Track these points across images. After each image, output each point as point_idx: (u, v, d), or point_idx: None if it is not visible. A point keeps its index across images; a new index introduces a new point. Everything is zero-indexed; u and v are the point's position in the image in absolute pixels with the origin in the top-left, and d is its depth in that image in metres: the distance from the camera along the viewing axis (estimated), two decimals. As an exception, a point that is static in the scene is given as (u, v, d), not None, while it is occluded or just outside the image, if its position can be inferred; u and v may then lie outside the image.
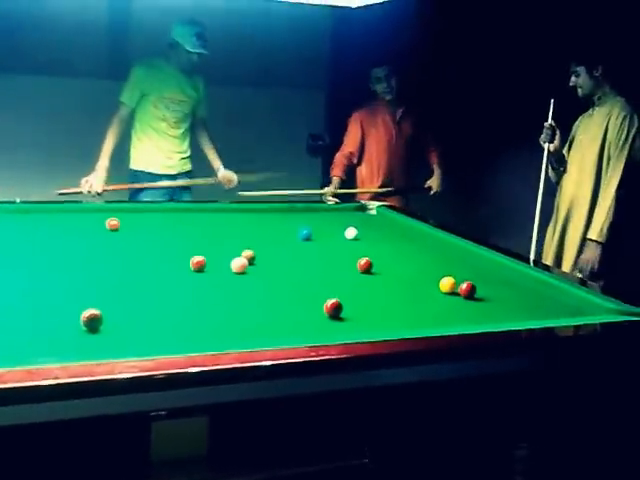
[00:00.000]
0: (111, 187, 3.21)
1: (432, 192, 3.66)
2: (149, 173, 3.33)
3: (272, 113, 4.49)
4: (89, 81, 3.96)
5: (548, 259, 3.02)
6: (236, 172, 3.45)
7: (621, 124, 2.81)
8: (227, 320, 1.59)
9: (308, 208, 3.13)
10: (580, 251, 2.91)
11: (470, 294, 1.81)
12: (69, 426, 1.13)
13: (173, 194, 3.36)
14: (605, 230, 2.77)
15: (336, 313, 1.60)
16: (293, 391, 1.28)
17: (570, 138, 3.08)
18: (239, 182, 3.34)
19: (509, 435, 1.50)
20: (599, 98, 2.91)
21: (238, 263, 1.98)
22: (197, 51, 3.18)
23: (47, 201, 3.00)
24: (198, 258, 1.97)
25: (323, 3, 2.81)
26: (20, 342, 1.36)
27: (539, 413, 1.50)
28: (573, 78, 2.90)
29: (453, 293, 1.84)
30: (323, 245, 2.47)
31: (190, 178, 3.47)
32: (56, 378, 1.12)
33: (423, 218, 2.83)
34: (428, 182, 3.68)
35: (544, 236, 3.12)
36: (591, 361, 1.54)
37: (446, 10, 3.86)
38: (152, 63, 3.29)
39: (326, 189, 3.42)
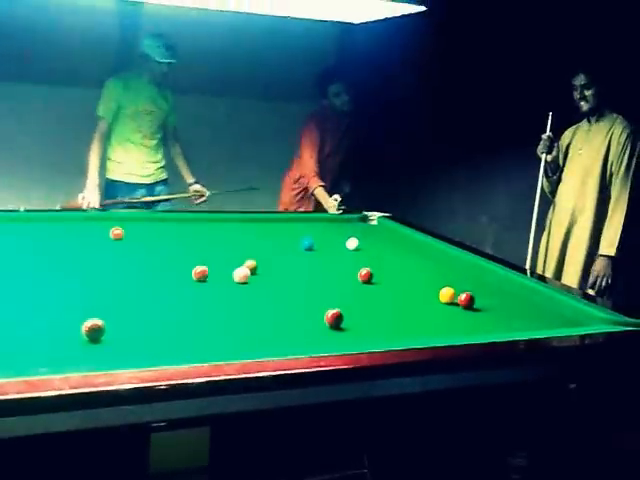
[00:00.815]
0: (108, 202, 3.30)
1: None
2: (127, 183, 3.44)
3: (278, 126, 4.53)
4: (96, 92, 4.00)
5: (548, 272, 3.02)
6: (208, 188, 3.52)
7: (625, 141, 2.84)
8: (229, 330, 1.60)
9: (310, 218, 3.15)
10: (586, 265, 2.92)
11: (469, 304, 1.82)
12: (70, 437, 1.13)
13: (148, 207, 3.45)
14: (616, 244, 2.80)
15: (337, 323, 1.61)
16: (294, 402, 1.29)
17: (562, 149, 3.09)
18: (208, 198, 3.46)
19: (508, 445, 1.50)
20: (600, 114, 2.93)
21: (240, 273, 1.99)
22: (166, 61, 3.30)
23: (51, 210, 3.02)
24: (201, 268, 1.98)
25: (325, 19, 2.83)
26: (21, 352, 1.37)
27: (538, 423, 1.50)
28: (585, 92, 2.88)
29: (452, 303, 1.85)
30: (325, 255, 2.48)
31: (166, 186, 3.58)
32: (57, 389, 1.13)
33: (423, 229, 2.84)
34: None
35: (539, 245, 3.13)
36: (589, 371, 1.55)
37: (448, 24, 3.89)
38: (125, 77, 3.41)
39: (332, 202, 3.26)
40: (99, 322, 1.44)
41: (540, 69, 3.39)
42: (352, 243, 2.54)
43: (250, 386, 1.25)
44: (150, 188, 3.49)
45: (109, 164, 3.45)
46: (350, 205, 3.29)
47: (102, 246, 2.39)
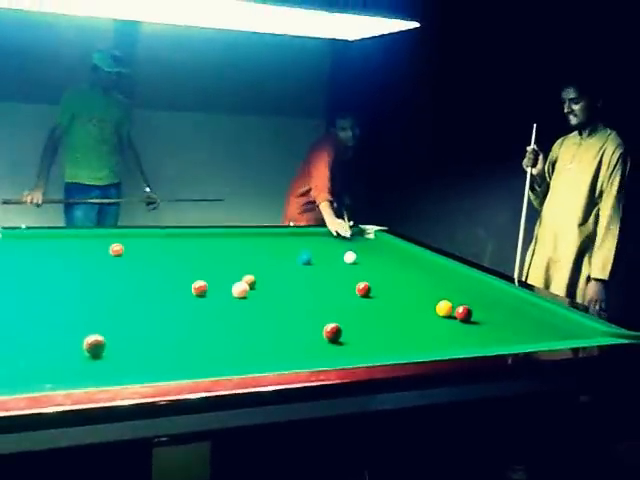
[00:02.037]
0: (46, 199, 3.55)
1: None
2: (82, 185, 3.71)
3: (273, 141, 4.58)
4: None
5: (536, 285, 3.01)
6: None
7: (617, 160, 2.79)
8: (228, 345, 1.61)
9: (308, 232, 3.17)
10: (571, 281, 2.88)
11: (467, 318, 1.84)
12: (73, 453, 1.14)
13: (101, 208, 3.75)
14: (609, 268, 2.76)
15: (335, 337, 1.62)
16: (293, 416, 1.29)
17: (551, 160, 3.07)
18: (159, 204, 3.80)
19: (507, 459, 1.51)
20: (593, 129, 2.90)
21: (239, 288, 2.00)
22: (114, 70, 3.57)
23: (52, 227, 3.06)
24: (200, 283, 1.99)
25: (321, 36, 2.87)
26: (24, 369, 1.38)
27: (537, 437, 1.51)
28: (573, 106, 2.86)
29: (450, 317, 1.87)
30: (323, 269, 2.49)
31: (118, 190, 3.85)
32: (59, 405, 1.14)
33: (420, 242, 2.86)
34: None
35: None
36: (589, 385, 1.56)
37: (444, 38, 3.94)
38: (79, 88, 3.69)
39: (337, 221, 3.19)
40: (100, 338, 1.45)
41: (540, 82, 3.42)
42: (350, 257, 2.56)
43: (250, 401, 1.26)
44: (103, 190, 3.76)
45: (67, 168, 3.73)
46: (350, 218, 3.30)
47: (102, 263, 2.40)
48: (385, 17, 2.37)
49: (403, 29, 2.51)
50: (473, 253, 3.53)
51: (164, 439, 1.19)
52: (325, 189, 3.39)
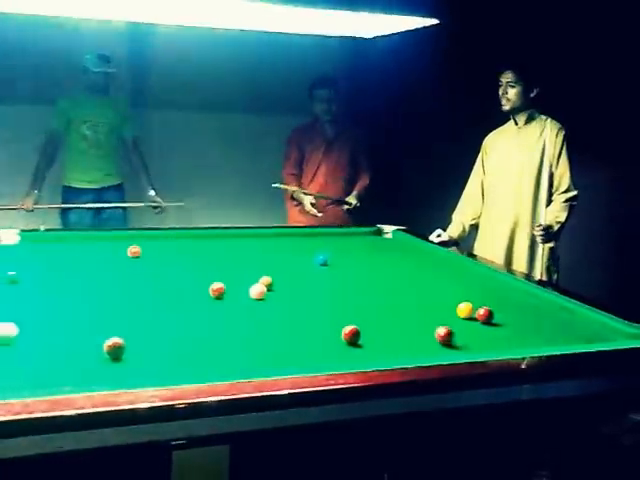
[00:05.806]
0: (41, 206, 3.69)
1: (351, 207, 3.68)
2: (75, 188, 3.81)
3: (283, 140, 4.58)
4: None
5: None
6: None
7: (562, 141, 2.82)
8: (246, 348, 1.61)
9: (324, 232, 3.16)
10: (529, 267, 2.89)
11: (488, 319, 1.81)
12: (92, 456, 1.15)
13: (97, 211, 3.80)
14: (555, 230, 2.82)
15: (354, 340, 1.61)
16: (313, 420, 1.29)
17: (487, 154, 3.05)
18: (164, 208, 3.81)
19: (530, 465, 1.49)
20: (529, 117, 2.90)
21: (256, 290, 2.00)
22: (100, 70, 3.63)
23: (70, 229, 3.09)
24: (217, 285, 1.99)
25: (338, 34, 2.86)
26: (45, 371, 1.39)
27: (560, 442, 1.49)
28: (509, 89, 2.85)
29: (471, 318, 1.84)
30: (340, 270, 2.48)
31: (118, 192, 3.89)
32: (80, 408, 1.15)
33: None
34: (348, 198, 3.71)
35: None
36: (614, 389, 1.53)
37: (465, 34, 3.91)
38: (72, 93, 3.79)
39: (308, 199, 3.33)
40: (120, 340, 1.46)
41: (565, 80, 3.38)
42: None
43: (267, 404, 1.25)
44: (98, 193, 3.81)
45: (64, 171, 3.83)
46: (366, 218, 3.29)
47: (120, 264, 2.41)
48: (404, 14, 2.35)
49: (420, 27, 2.49)
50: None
51: (183, 442, 1.19)
52: (286, 175, 3.46)
